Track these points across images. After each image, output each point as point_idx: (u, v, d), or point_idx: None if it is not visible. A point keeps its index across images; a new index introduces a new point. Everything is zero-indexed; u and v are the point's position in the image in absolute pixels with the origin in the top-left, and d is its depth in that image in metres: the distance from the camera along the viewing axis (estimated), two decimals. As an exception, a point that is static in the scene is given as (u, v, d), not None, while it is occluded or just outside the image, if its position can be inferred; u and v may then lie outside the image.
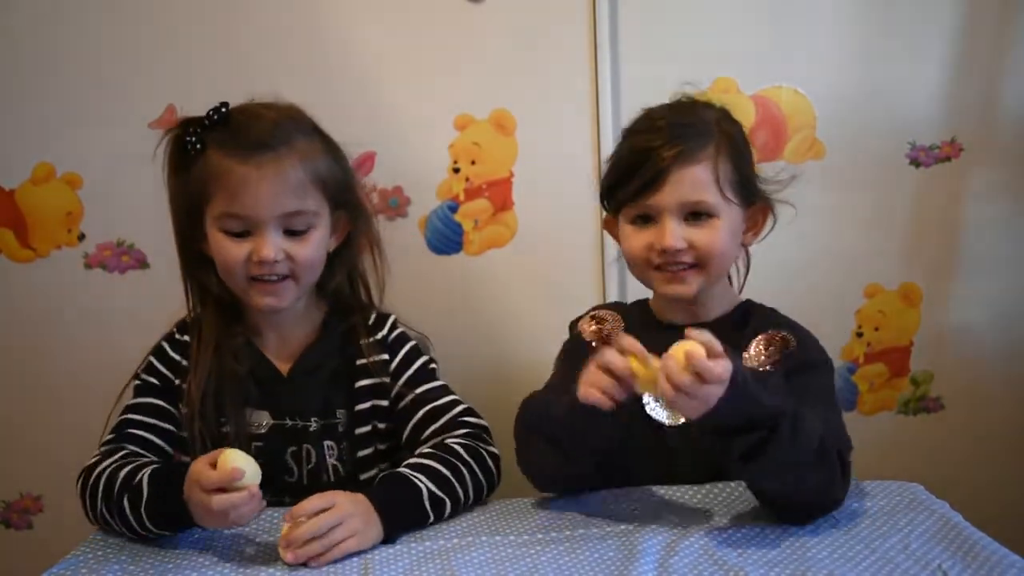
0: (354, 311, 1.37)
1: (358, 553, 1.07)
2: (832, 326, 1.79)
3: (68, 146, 1.72)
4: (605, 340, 1.30)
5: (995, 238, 1.79)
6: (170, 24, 1.70)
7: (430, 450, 1.23)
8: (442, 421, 1.28)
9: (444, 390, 1.33)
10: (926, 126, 1.76)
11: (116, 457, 1.21)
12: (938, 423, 1.84)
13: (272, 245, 1.22)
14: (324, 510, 1.07)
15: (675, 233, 1.22)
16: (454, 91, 1.73)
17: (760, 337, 1.26)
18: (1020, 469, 1.84)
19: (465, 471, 1.20)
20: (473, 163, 1.75)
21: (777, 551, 1.02)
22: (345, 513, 1.08)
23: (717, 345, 1.00)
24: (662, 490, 1.21)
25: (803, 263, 1.78)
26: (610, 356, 1.06)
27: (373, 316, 1.37)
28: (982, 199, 1.78)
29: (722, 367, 0.99)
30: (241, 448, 1.24)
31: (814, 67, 1.74)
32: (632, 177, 1.23)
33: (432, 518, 1.16)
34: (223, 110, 1.25)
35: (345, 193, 1.31)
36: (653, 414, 1.26)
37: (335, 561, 1.06)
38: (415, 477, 1.16)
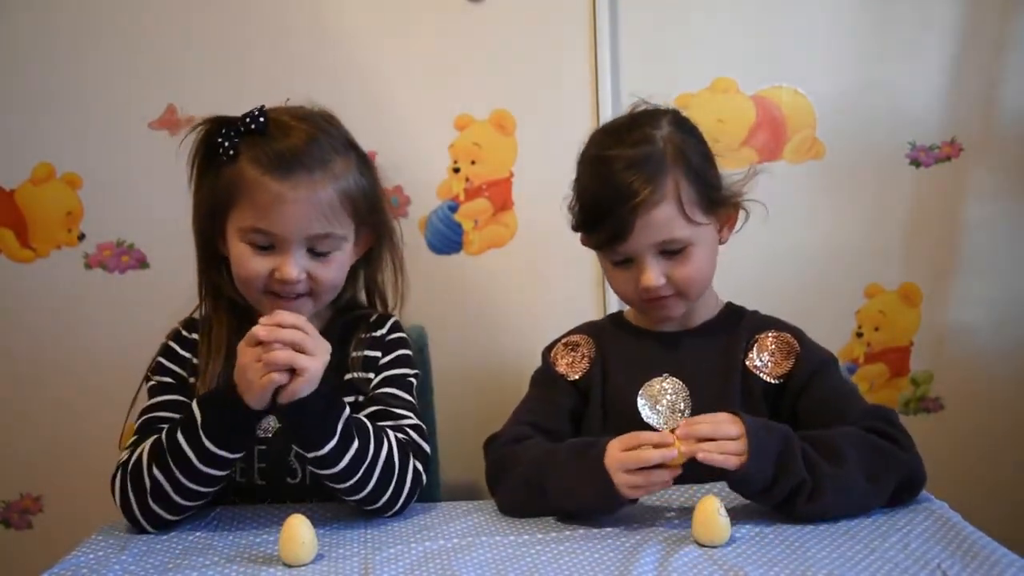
0: (360, 306, 1.37)
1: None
2: (832, 326, 1.79)
3: (68, 146, 1.73)
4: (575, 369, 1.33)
5: (995, 238, 1.79)
6: (170, 24, 1.70)
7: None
8: (389, 423, 1.24)
9: (408, 405, 1.29)
10: (926, 126, 1.76)
11: (153, 437, 1.18)
12: (938, 423, 1.84)
13: (296, 265, 1.21)
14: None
15: (655, 273, 1.23)
16: (454, 91, 1.74)
17: (766, 344, 1.27)
18: (1020, 469, 1.84)
19: (386, 445, 1.17)
20: (473, 163, 1.75)
21: (777, 551, 1.02)
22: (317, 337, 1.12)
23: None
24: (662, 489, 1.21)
25: (804, 263, 1.78)
26: (657, 455, 1.07)
27: (376, 315, 1.36)
28: (982, 199, 1.78)
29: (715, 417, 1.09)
30: (245, 455, 1.23)
31: (814, 67, 1.75)
32: (599, 227, 1.23)
33: (335, 439, 1.12)
34: (261, 119, 1.21)
35: (372, 212, 1.30)
36: (648, 420, 1.26)
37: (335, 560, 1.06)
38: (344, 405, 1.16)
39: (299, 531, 1.05)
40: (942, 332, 1.82)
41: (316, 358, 1.11)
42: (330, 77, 1.70)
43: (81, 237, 1.75)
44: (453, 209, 1.77)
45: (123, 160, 1.71)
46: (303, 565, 1.05)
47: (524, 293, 1.79)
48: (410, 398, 1.30)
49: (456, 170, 1.76)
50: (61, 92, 1.71)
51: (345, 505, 1.21)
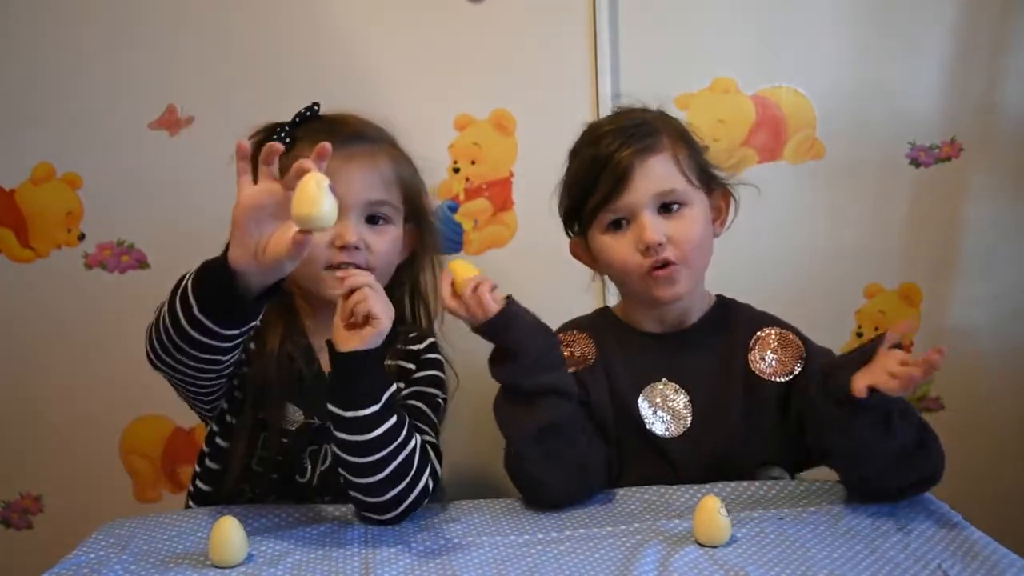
0: (403, 321, 1.35)
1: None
2: (832, 326, 1.79)
3: (68, 146, 1.72)
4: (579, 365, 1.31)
5: (995, 238, 1.79)
6: (170, 24, 1.70)
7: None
8: None
9: (432, 423, 1.28)
10: (926, 126, 1.76)
11: None
12: (938, 423, 1.83)
13: (354, 230, 1.25)
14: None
15: (655, 226, 1.21)
16: (454, 91, 1.74)
17: (768, 342, 1.27)
18: (1020, 469, 1.84)
19: (415, 440, 1.16)
20: (473, 163, 1.75)
21: (777, 551, 1.02)
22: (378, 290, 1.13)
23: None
24: (662, 490, 1.21)
25: (803, 263, 1.78)
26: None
27: (416, 332, 1.37)
28: (982, 199, 1.78)
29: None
30: (269, 443, 1.25)
31: (814, 67, 1.75)
32: (597, 185, 1.23)
33: (378, 406, 1.11)
34: (315, 107, 1.29)
35: (419, 208, 1.34)
36: (652, 427, 1.26)
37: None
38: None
39: (230, 532, 1.06)
40: (942, 332, 1.82)
41: (386, 316, 1.12)
42: (330, 77, 1.70)
43: (81, 237, 1.75)
44: (453, 209, 1.77)
45: (123, 160, 1.71)
46: (232, 567, 1.05)
47: (524, 293, 1.78)
48: (435, 418, 1.30)
49: (456, 170, 1.76)
50: (61, 92, 1.71)
51: (347, 505, 1.21)
